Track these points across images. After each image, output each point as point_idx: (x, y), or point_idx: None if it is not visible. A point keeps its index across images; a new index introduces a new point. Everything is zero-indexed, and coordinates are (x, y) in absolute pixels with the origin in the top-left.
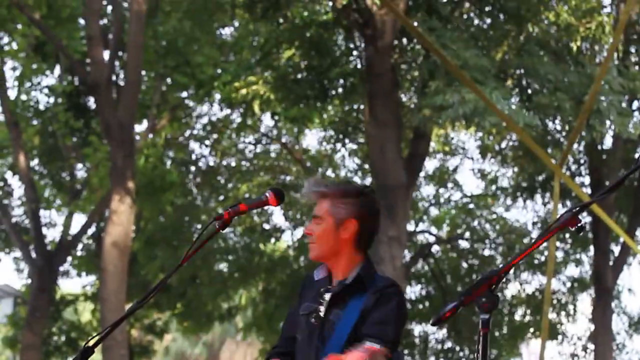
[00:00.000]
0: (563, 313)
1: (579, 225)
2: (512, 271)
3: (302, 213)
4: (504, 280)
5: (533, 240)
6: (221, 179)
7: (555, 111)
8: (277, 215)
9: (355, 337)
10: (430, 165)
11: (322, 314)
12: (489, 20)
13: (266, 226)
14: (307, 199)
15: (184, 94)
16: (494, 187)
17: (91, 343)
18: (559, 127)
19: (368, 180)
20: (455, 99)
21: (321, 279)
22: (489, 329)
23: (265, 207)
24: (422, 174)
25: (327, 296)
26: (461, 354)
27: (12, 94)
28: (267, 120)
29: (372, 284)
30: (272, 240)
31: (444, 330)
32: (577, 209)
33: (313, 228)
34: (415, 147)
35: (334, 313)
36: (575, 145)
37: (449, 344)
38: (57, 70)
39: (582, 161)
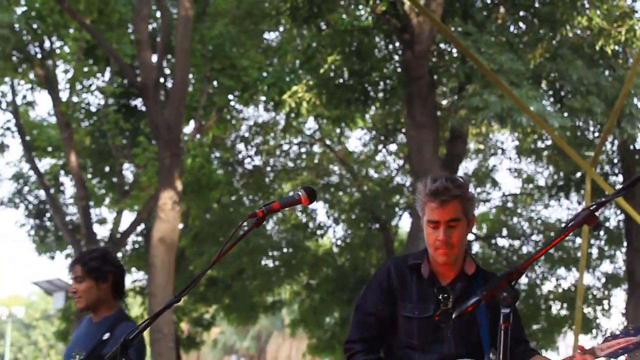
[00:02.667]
0: (598, 308)
1: (597, 222)
2: (548, 268)
3: (342, 211)
4: (539, 275)
5: (553, 238)
6: (266, 178)
7: (587, 114)
8: (322, 214)
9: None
10: (471, 165)
11: (452, 313)
12: (523, 25)
13: (310, 224)
14: (430, 200)
15: (230, 97)
16: (530, 186)
17: (131, 336)
18: (591, 128)
19: (408, 180)
20: (491, 100)
21: (427, 277)
22: (509, 323)
23: (310, 206)
24: (461, 173)
25: (452, 294)
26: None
27: (64, 96)
28: (310, 122)
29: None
30: (316, 237)
31: None
32: (594, 206)
33: (450, 234)
34: (452, 147)
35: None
36: (608, 145)
37: None
38: (108, 73)
39: (615, 161)
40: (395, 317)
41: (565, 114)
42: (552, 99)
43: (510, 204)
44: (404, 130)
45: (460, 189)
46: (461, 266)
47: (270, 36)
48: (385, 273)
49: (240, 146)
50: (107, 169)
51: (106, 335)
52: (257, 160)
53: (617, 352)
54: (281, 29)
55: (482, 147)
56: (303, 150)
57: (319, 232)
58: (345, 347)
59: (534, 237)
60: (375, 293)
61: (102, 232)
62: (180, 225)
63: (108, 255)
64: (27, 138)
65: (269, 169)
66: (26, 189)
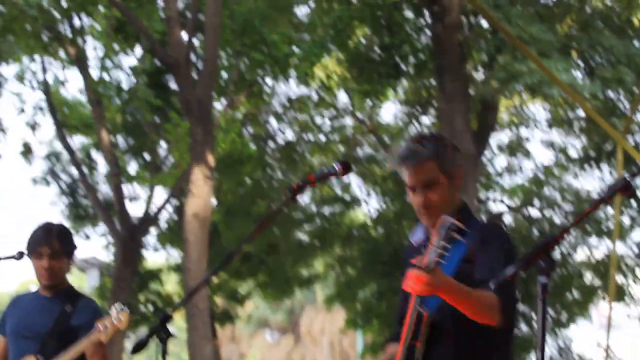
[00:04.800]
0: (631, 277)
1: (632, 192)
2: (580, 237)
3: (375, 184)
4: (571, 245)
5: (587, 208)
6: (298, 152)
7: (618, 84)
8: (355, 187)
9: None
10: (502, 137)
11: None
12: None
13: (345, 197)
14: (403, 166)
15: (261, 72)
16: (562, 157)
17: (171, 311)
18: (622, 98)
19: None
20: (522, 69)
21: (421, 242)
22: (547, 292)
23: (344, 178)
24: (493, 145)
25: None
26: (532, 315)
27: (94, 73)
28: (342, 96)
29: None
30: (350, 210)
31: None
32: (629, 176)
33: (429, 195)
34: (484, 119)
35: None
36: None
37: (520, 307)
38: (138, 50)
39: None
40: None
41: (596, 84)
42: (582, 70)
43: (541, 175)
44: (435, 103)
45: (431, 148)
46: None
47: (301, 11)
48: None
49: (272, 121)
50: (139, 146)
51: (68, 308)
52: (289, 135)
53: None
54: (311, 3)
55: (514, 119)
56: (335, 124)
57: (353, 205)
58: None
59: (565, 208)
60: None
61: (135, 209)
62: (213, 201)
63: (71, 233)
64: (59, 116)
65: (301, 143)
66: (58, 167)
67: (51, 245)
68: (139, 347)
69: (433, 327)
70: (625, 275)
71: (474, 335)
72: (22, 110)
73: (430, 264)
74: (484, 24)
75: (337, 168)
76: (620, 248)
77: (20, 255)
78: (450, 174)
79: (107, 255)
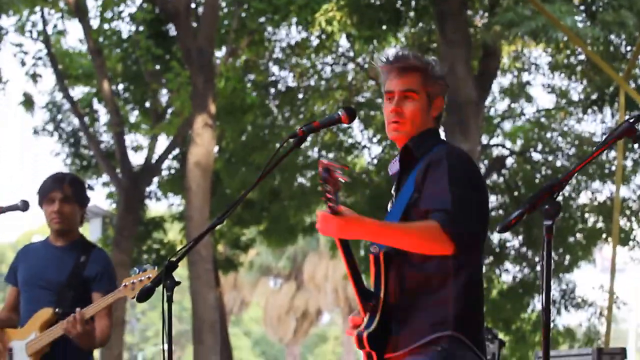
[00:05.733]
0: (634, 220)
1: (637, 134)
2: (583, 181)
3: (376, 130)
4: (574, 188)
5: (593, 151)
6: (300, 99)
7: (619, 27)
8: (357, 132)
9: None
10: (504, 81)
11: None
12: None
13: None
14: (388, 69)
15: (262, 19)
16: (564, 101)
17: (174, 259)
18: (624, 42)
19: None
20: (525, 13)
21: (396, 172)
22: (552, 235)
23: (346, 125)
24: (496, 89)
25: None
26: (536, 259)
27: (94, 23)
28: (343, 42)
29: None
30: (352, 155)
31: (520, 238)
32: (633, 119)
33: (403, 105)
34: (485, 65)
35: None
36: None
37: (524, 250)
38: None
39: None
40: None
41: (597, 28)
42: (584, 14)
43: (544, 120)
44: (436, 49)
45: (423, 63)
46: None
47: None
48: None
49: (274, 68)
50: (140, 95)
51: (82, 258)
52: (291, 82)
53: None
54: None
55: (516, 64)
56: (336, 70)
57: (353, 150)
58: None
59: (568, 152)
60: None
61: (137, 158)
62: (215, 149)
63: (83, 183)
64: (60, 67)
65: (301, 89)
66: (60, 117)
67: (62, 189)
68: (144, 295)
69: (386, 261)
70: (629, 219)
71: (421, 263)
72: (23, 63)
73: (332, 208)
74: None
75: (341, 114)
76: (624, 191)
77: (24, 205)
78: (431, 95)
79: (109, 205)
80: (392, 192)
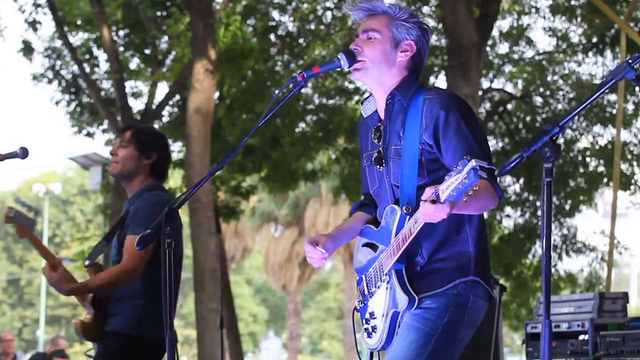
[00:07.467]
0: (635, 164)
1: (637, 76)
2: (583, 125)
3: None
4: (575, 132)
5: (593, 93)
6: (300, 43)
7: None
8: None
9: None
10: (505, 24)
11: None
12: None
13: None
14: (355, 12)
15: None
16: (565, 45)
17: (174, 206)
18: None
19: (442, 41)
20: None
21: (371, 115)
22: (552, 177)
23: (347, 69)
24: (496, 32)
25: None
26: (537, 203)
27: None
28: None
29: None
30: (353, 101)
31: (521, 182)
32: (632, 60)
33: (363, 45)
34: (486, 8)
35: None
36: None
37: (525, 195)
38: None
39: None
40: None
41: None
42: None
43: (544, 62)
44: None
45: (392, 8)
46: None
47: None
48: None
49: (274, 13)
50: (140, 41)
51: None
52: (291, 27)
53: (457, 189)
54: None
55: (516, 7)
56: (337, 14)
57: (355, 96)
58: None
59: (568, 95)
60: None
61: (137, 105)
62: (216, 95)
63: (161, 137)
64: (59, 13)
65: (302, 34)
66: (59, 64)
67: (123, 134)
68: (144, 241)
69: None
70: (630, 163)
71: None
72: (22, 10)
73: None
74: None
75: (341, 59)
76: (625, 135)
77: (23, 153)
78: (397, 40)
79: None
80: (372, 137)
